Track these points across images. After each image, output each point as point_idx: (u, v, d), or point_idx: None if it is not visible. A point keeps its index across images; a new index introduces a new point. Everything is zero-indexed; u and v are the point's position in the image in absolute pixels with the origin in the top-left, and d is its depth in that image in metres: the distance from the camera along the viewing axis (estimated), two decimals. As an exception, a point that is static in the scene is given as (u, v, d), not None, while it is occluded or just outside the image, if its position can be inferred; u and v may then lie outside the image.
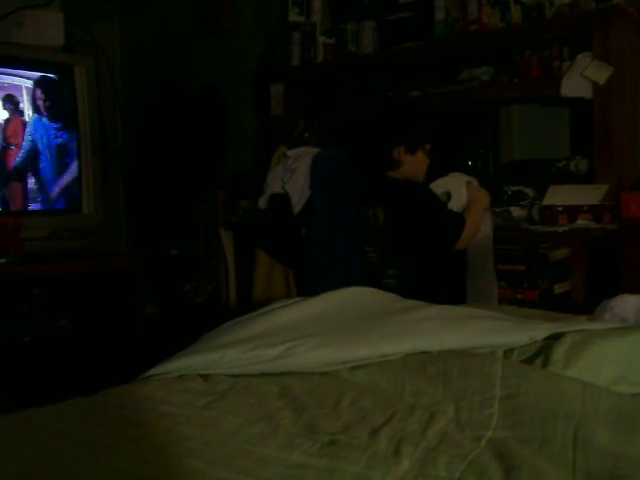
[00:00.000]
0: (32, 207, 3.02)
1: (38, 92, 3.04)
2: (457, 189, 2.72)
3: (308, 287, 2.78)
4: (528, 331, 1.62)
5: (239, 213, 3.42)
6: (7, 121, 2.95)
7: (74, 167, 3.12)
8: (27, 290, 2.88)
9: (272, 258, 3.05)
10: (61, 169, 3.10)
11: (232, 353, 1.62)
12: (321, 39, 3.52)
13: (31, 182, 3.02)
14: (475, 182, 2.69)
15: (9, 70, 2.96)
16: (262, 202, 3.00)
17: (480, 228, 2.56)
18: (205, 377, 1.60)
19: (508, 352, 1.58)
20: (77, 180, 3.11)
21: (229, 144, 4.01)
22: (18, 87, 2.99)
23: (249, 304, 3.04)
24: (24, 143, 3.01)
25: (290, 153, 2.96)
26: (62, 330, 2.97)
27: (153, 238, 3.81)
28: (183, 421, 1.35)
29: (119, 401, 1.52)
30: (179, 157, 3.84)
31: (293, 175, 2.90)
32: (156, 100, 4.09)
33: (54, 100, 3.07)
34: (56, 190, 3.09)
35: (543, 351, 1.54)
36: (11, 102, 2.96)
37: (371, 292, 1.92)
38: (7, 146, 2.97)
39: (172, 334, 3.10)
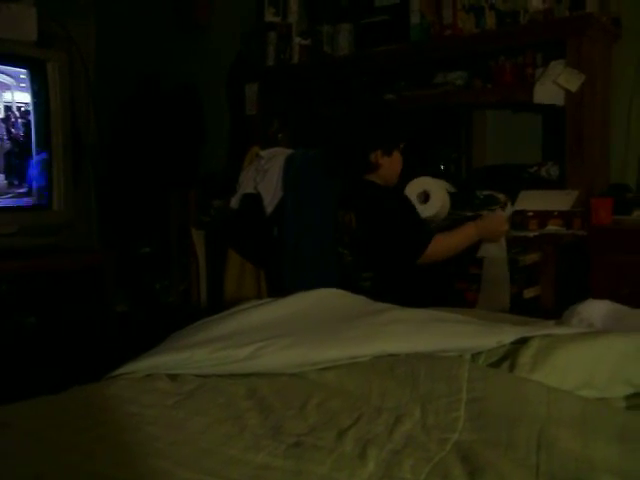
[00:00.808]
0: (0, 203, 2.98)
1: (12, 85, 3.00)
2: (436, 190, 2.74)
3: (279, 288, 2.78)
4: (496, 335, 1.62)
5: (211, 213, 3.41)
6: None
7: (45, 163, 3.08)
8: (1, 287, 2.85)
9: (243, 258, 3.04)
10: (31, 165, 3.06)
11: (201, 353, 1.61)
12: (297, 40, 3.52)
13: (2, 177, 2.99)
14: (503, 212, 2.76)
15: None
16: (234, 202, 2.99)
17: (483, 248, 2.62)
18: (173, 377, 1.59)
19: (476, 355, 1.59)
20: (47, 176, 3.08)
21: (204, 143, 4.00)
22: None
23: (220, 304, 3.03)
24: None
25: (263, 153, 2.96)
26: (30, 327, 2.94)
27: (125, 236, 3.78)
28: (150, 421, 1.34)
29: (86, 400, 1.51)
30: (153, 155, 3.82)
31: (266, 175, 2.90)
32: (131, 97, 4.06)
33: (25, 94, 3.03)
34: (25, 186, 3.05)
35: (510, 355, 1.55)
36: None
37: (341, 294, 1.92)
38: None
39: (142, 333, 3.08)
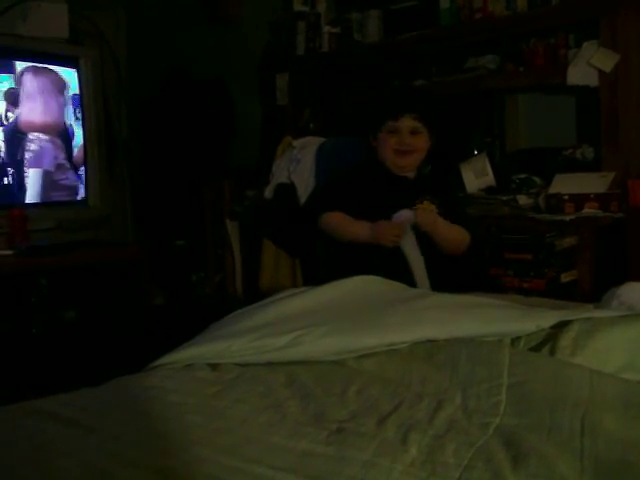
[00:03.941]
0: (38, 199, 3.02)
1: (44, 84, 3.04)
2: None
3: (315, 276, 2.78)
4: (535, 319, 1.62)
5: (245, 203, 3.42)
6: (16, 113, 2.96)
7: (80, 159, 3.12)
8: (34, 281, 2.89)
9: (278, 248, 3.05)
10: (67, 161, 3.10)
11: (240, 342, 1.62)
12: (326, 28, 3.51)
13: (38, 173, 3.03)
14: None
15: (16, 62, 2.96)
16: (268, 192, 3.00)
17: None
18: (213, 366, 1.60)
19: (515, 340, 1.59)
20: (84, 172, 3.12)
21: (235, 134, 4.01)
22: (25, 79, 3.00)
23: (255, 294, 3.05)
24: (31, 135, 3.02)
25: (296, 143, 2.96)
26: (70, 321, 2.98)
27: (159, 229, 3.81)
28: (192, 410, 1.35)
29: (128, 390, 1.53)
30: (185, 147, 3.84)
31: (299, 165, 2.90)
32: (161, 91, 4.08)
33: (61, 91, 3.07)
34: (62, 182, 3.09)
35: (550, 339, 1.54)
36: (19, 94, 2.97)
37: (378, 281, 1.92)
38: (15, 138, 2.97)
39: (179, 325, 3.11)
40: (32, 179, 3.00)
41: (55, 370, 2.80)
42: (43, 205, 3.04)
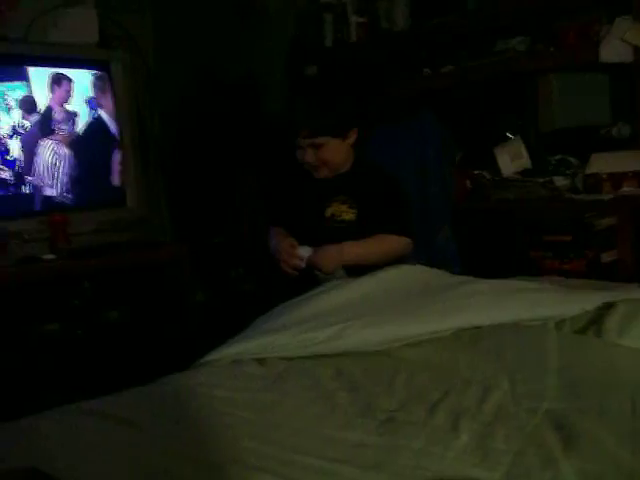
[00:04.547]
0: (77, 202, 3.07)
1: (78, 88, 3.08)
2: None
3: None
4: (579, 302, 1.61)
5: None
6: (51, 118, 3.00)
7: (116, 161, 3.16)
8: (77, 284, 2.94)
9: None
10: (104, 163, 3.15)
11: (284, 336, 1.64)
12: (353, 18, 3.49)
13: (75, 177, 3.07)
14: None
15: (49, 69, 3.00)
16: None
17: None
18: (260, 361, 1.62)
19: (560, 323, 1.58)
20: (120, 173, 3.16)
21: (265, 129, 4.01)
22: (59, 84, 3.04)
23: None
24: (69, 139, 3.06)
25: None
26: (113, 321, 3.02)
27: (196, 227, 3.84)
28: (241, 405, 1.37)
29: (177, 388, 1.55)
30: (218, 145, 3.86)
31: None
32: (191, 89, 4.11)
33: (96, 94, 3.12)
34: (100, 184, 3.14)
35: (595, 321, 1.53)
36: (63, 94, 3.02)
37: (419, 269, 1.93)
38: (52, 143, 3.01)
39: (221, 321, 3.14)
40: (69, 184, 3.05)
41: (101, 370, 2.84)
42: (81, 209, 3.08)
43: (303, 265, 2.20)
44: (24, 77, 2.95)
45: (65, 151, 3.05)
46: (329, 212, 2.31)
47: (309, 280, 2.16)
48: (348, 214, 2.31)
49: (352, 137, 2.37)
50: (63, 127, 3.05)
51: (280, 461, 1.11)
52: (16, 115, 2.91)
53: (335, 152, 2.33)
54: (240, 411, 1.34)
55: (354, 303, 1.73)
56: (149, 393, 1.56)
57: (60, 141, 3.04)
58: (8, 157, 2.90)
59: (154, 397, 1.52)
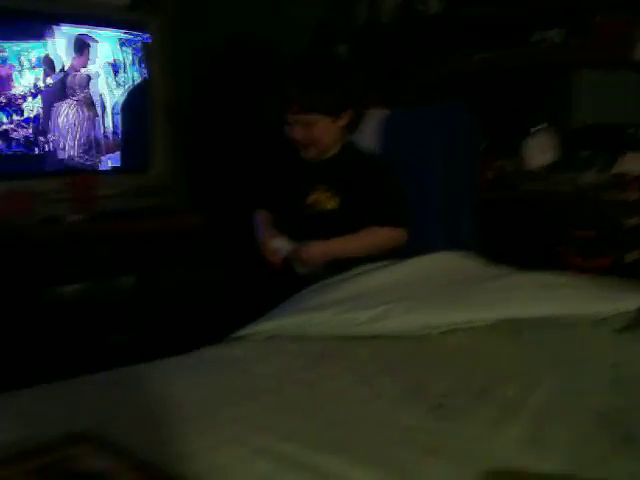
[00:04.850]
0: (104, 166, 3.06)
1: (109, 50, 3.05)
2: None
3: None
4: (618, 300, 1.62)
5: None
6: (74, 79, 2.97)
7: (145, 125, 3.14)
8: (98, 247, 2.92)
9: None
10: (132, 127, 3.12)
11: (323, 316, 1.64)
12: (389, -2, 3.47)
13: (103, 140, 3.06)
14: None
15: (74, 29, 2.97)
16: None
17: None
18: (297, 339, 1.62)
19: (599, 321, 1.59)
20: (148, 138, 3.14)
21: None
22: (90, 44, 3.01)
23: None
24: (97, 101, 3.04)
25: (359, 114, 2.95)
26: (130, 286, 3.01)
27: (220, 197, 3.83)
28: (284, 383, 1.37)
29: (216, 360, 1.56)
30: (242, 116, 3.84)
31: (360, 135, 2.90)
32: (218, 58, 4.08)
33: (125, 58, 3.09)
34: (125, 149, 3.12)
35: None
36: (83, 59, 2.98)
37: (459, 257, 1.93)
38: (81, 105, 2.99)
39: (242, 294, 3.13)
40: (93, 146, 3.03)
41: (115, 334, 2.85)
42: (105, 172, 3.06)
43: (281, 256, 2.15)
44: (46, 36, 2.90)
45: (88, 113, 3.03)
46: (311, 199, 2.21)
47: (288, 273, 2.12)
48: (330, 202, 2.20)
49: (344, 119, 2.26)
50: (85, 89, 3.02)
51: (335, 442, 1.11)
52: (37, 75, 2.87)
53: (325, 132, 2.22)
54: (287, 389, 1.34)
55: (394, 286, 1.73)
56: (187, 363, 1.56)
57: (83, 103, 3.01)
58: (29, 115, 2.87)
59: (193, 368, 1.52)
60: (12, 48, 2.80)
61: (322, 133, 2.22)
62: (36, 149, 2.88)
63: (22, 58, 2.84)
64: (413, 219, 2.23)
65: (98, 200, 2.86)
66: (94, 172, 3.00)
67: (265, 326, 1.68)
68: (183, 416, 1.22)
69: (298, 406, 1.26)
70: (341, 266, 2.01)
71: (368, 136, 2.88)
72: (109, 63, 3.08)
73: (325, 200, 2.20)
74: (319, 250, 2.12)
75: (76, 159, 2.99)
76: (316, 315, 1.65)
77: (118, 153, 3.10)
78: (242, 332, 1.69)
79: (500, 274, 1.79)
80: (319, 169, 2.26)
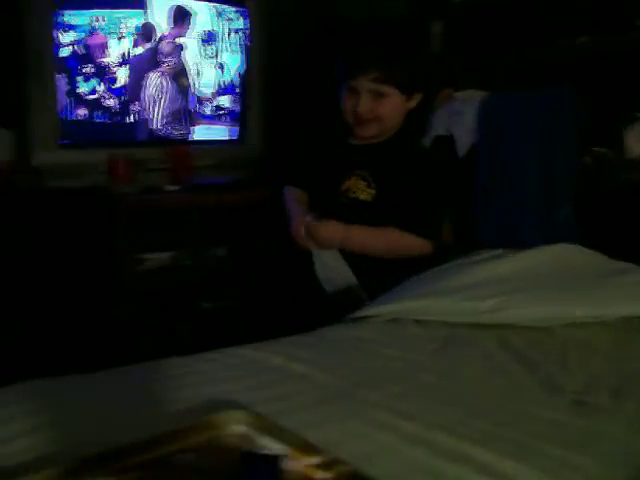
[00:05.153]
0: (200, 136, 3.09)
1: (206, 21, 3.07)
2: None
3: (466, 233, 2.79)
4: None
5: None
6: (174, 51, 3.00)
7: (238, 98, 3.16)
8: (193, 217, 2.97)
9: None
10: (231, 100, 3.15)
11: (446, 301, 1.65)
12: (490, -26, 3.40)
13: (202, 111, 3.09)
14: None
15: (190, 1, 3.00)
16: (425, 143, 2.98)
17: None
18: (419, 322, 1.64)
19: None
20: (243, 111, 3.17)
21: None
22: (180, 17, 3.03)
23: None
24: (190, 72, 3.06)
25: (458, 95, 2.93)
26: (221, 257, 3.05)
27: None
28: (421, 368, 1.38)
29: (338, 341, 1.57)
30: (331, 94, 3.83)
31: (460, 118, 2.87)
32: (312, 35, 4.06)
33: (220, 30, 3.10)
34: (221, 121, 3.15)
35: None
36: (180, 29, 3.01)
37: (579, 250, 1.92)
38: (173, 75, 3.02)
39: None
40: (192, 117, 3.06)
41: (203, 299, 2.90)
42: (200, 143, 3.10)
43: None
44: (142, 5, 2.93)
45: (180, 84, 3.05)
46: (345, 185, 2.02)
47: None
48: (364, 193, 2.00)
49: (413, 102, 2.05)
50: (178, 59, 3.03)
51: (481, 433, 1.12)
52: (130, 44, 2.89)
53: (393, 110, 2.00)
54: (422, 374, 1.35)
55: (514, 277, 1.73)
56: (307, 343, 1.56)
57: (175, 73, 3.03)
58: (121, 84, 2.88)
59: (316, 347, 1.53)
60: (111, 16, 2.83)
61: (390, 110, 2.00)
62: (127, 118, 2.93)
63: (121, 26, 2.88)
64: (462, 224, 2.22)
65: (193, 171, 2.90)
66: (185, 143, 3.04)
67: (384, 309, 1.69)
68: (321, 397, 1.23)
69: (438, 393, 1.27)
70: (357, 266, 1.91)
71: (469, 117, 2.87)
72: (204, 34, 3.10)
73: (360, 189, 2.00)
74: (339, 233, 1.94)
75: (167, 129, 3.02)
76: (438, 300, 1.65)
77: (211, 124, 3.13)
78: (359, 313, 1.71)
79: (625, 269, 1.77)
80: (362, 153, 2.05)
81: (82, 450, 0.91)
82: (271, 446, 1.00)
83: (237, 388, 1.23)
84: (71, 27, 2.71)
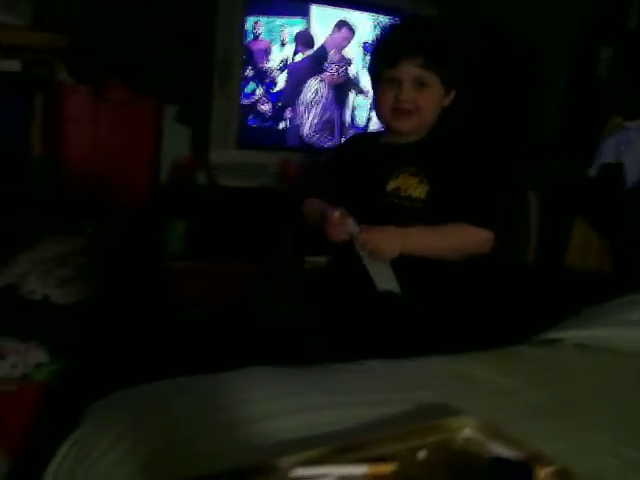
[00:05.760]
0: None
1: (366, 32, 3.13)
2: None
3: (627, 267, 2.75)
4: None
5: (546, 175, 3.38)
6: (336, 60, 3.08)
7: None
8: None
9: (591, 228, 3.01)
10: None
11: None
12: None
13: (356, 123, 3.16)
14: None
15: (333, 10, 3.08)
16: (593, 170, 2.95)
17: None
18: (610, 351, 1.63)
19: None
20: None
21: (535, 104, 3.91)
22: (352, 27, 3.11)
23: (557, 270, 3.05)
24: (349, 83, 3.14)
25: (631, 124, 2.89)
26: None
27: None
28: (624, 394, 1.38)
29: (534, 363, 1.59)
30: (485, 115, 3.81)
31: (632, 146, 2.83)
32: (478, 53, 4.06)
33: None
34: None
35: None
36: (342, 40, 3.09)
37: None
38: (332, 84, 3.09)
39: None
40: (339, 126, 3.13)
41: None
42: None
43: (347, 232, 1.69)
44: (305, 14, 3.02)
45: (338, 93, 3.12)
46: (393, 185, 1.79)
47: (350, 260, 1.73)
48: (417, 190, 1.77)
49: (448, 99, 1.84)
50: (339, 70, 3.10)
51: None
52: (289, 51, 2.99)
53: (432, 102, 1.81)
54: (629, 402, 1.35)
55: None
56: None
57: (334, 83, 3.10)
58: (279, 89, 2.99)
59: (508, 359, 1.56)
60: (273, 23, 2.94)
61: (430, 103, 1.81)
62: (281, 123, 3.04)
63: (281, 33, 2.98)
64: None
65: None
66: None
67: (573, 333, 1.69)
68: (521, 412, 1.27)
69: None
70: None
71: (636, 145, 2.83)
72: (364, 45, 3.16)
73: (412, 186, 1.79)
74: (398, 241, 1.68)
75: (317, 137, 3.10)
76: (630, 332, 1.64)
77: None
78: (547, 336, 1.71)
79: None
80: (403, 151, 1.85)
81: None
82: (502, 452, 1.04)
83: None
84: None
